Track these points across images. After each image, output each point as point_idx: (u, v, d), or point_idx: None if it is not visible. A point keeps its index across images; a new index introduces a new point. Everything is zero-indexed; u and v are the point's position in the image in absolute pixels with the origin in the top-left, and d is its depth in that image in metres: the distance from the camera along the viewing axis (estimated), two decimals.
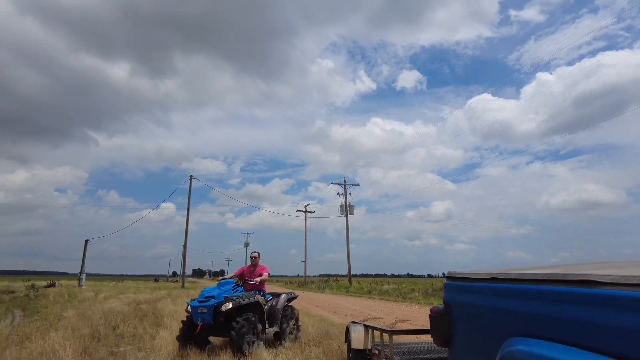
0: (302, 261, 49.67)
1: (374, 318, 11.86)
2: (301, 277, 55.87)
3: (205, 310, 6.14)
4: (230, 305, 6.11)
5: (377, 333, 4.63)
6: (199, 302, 6.28)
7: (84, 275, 40.01)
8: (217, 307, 6.14)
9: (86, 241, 42.95)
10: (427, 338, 5.00)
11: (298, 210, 50.30)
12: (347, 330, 5.25)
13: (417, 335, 5.23)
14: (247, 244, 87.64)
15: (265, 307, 6.94)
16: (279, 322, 7.10)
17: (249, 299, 6.47)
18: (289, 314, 7.54)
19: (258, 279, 7.22)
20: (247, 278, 7.36)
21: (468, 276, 2.60)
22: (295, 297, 7.85)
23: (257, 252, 7.71)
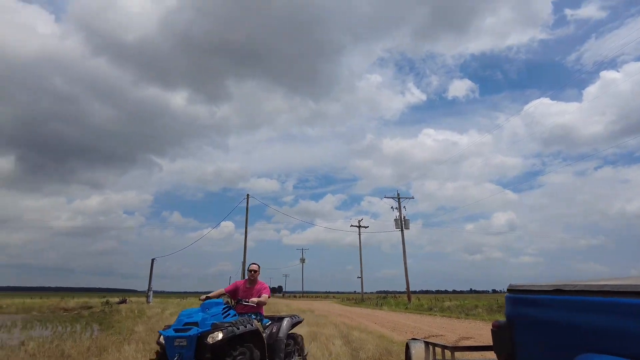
0: (358, 277, 49.17)
1: (436, 335, 11.46)
2: (358, 293, 55.22)
3: (185, 343, 4.26)
4: (220, 335, 4.28)
5: (438, 350, 4.50)
6: (176, 330, 4.40)
7: (151, 292, 42.25)
8: (202, 337, 4.30)
9: (152, 260, 45.51)
10: (491, 355, 4.78)
11: (352, 226, 50.07)
12: (407, 348, 5.13)
13: (481, 353, 5.02)
14: (302, 260, 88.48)
15: (264, 334, 5.09)
16: (281, 354, 5.26)
17: (245, 326, 4.60)
18: (293, 344, 5.73)
19: (256, 299, 5.36)
20: (241, 297, 5.44)
21: (531, 288, 2.49)
22: (299, 322, 5.96)
23: (257, 265, 5.82)
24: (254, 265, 5.80)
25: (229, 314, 4.81)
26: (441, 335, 11.57)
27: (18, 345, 9.19)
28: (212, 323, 4.42)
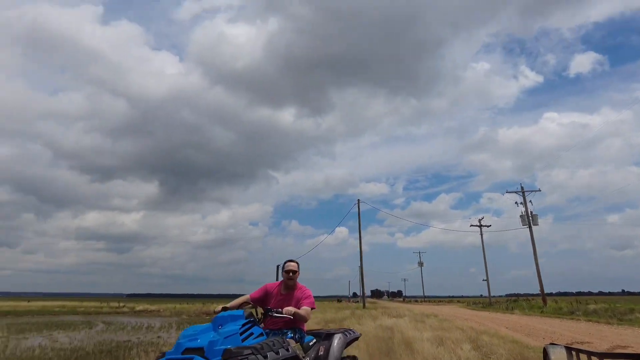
0: (483, 280, 46.11)
1: (580, 342, 10.22)
2: (484, 297, 51.59)
3: None
4: None
5: (583, 357, 4.04)
6: None
7: None
8: None
9: (277, 267, 48.58)
10: None
11: (472, 225, 47.18)
12: (545, 353, 4.69)
13: None
14: (420, 264, 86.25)
15: None
16: None
17: (277, 352, 2.90)
18: None
19: (292, 309, 3.61)
20: (272, 307, 3.71)
21: None
22: (356, 338, 4.25)
23: (296, 263, 4.13)
24: (292, 264, 4.05)
25: (251, 333, 3.07)
26: (588, 342, 10.27)
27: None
28: (226, 349, 2.67)
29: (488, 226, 46.73)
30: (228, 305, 3.78)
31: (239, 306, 3.85)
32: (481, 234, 46.03)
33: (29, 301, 65.42)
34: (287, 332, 3.69)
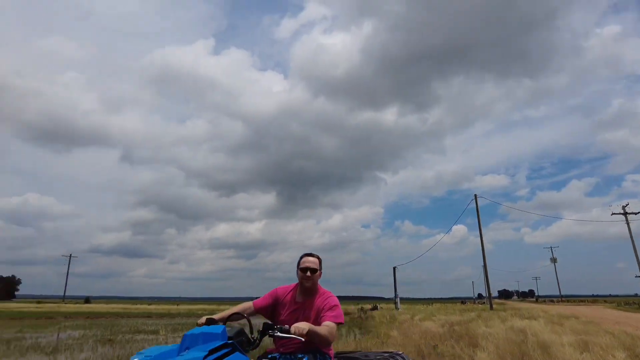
0: (637, 277, 39.73)
1: None
2: (639, 296, 44.42)
3: None
4: None
5: None
6: None
7: (398, 299, 44.70)
8: None
9: (394, 268, 48.27)
10: None
11: (614, 214, 41.06)
12: None
13: None
14: (553, 260, 77.69)
15: None
16: None
17: None
18: None
19: (306, 326, 2.33)
20: (282, 322, 2.59)
21: None
22: None
23: (317, 257, 2.92)
24: (311, 259, 2.83)
25: (235, 356, 2.03)
26: None
27: None
28: None
29: (636, 213, 40.20)
30: (215, 316, 2.55)
31: (228, 318, 2.60)
32: (627, 223, 39.77)
33: (177, 305, 75.20)
34: (303, 358, 2.47)
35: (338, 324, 2.59)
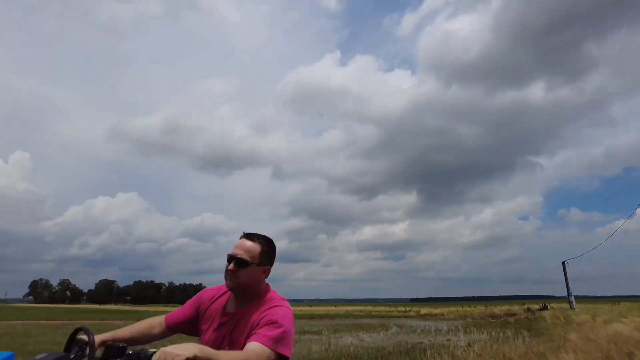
0: None
1: None
2: None
3: None
4: None
5: None
6: None
7: (573, 297, 39.17)
8: None
9: (563, 263, 42.48)
10: None
11: None
12: None
13: None
14: None
15: None
16: None
17: None
18: None
19: (189, 352, 1.19)
20: (202, 341, 1.69)
21: None
22: None
23: (260, 241, 1.71)
24: (246, 244, 1.69)
25: None
26: None
27: (466, 346, 11.03)
28: None
29: None
30: (111, 338, 1.54)
31: (111, 343, 1.43)
32: None
33: (335, 306, 79.28)
34: None
35: (273, 350, 1.43)
